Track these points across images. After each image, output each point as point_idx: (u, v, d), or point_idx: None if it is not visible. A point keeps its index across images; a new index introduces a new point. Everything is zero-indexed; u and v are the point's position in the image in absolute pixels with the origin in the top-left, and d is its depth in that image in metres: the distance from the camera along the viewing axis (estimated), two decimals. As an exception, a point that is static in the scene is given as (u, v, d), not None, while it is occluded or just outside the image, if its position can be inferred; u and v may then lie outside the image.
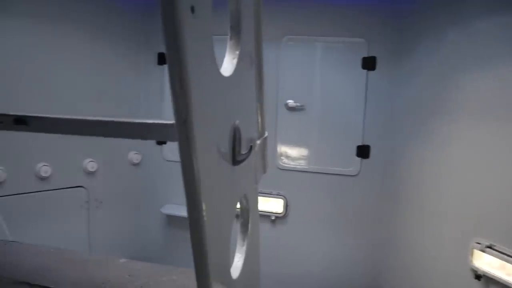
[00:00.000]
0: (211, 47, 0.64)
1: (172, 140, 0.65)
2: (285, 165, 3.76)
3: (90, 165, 3.41)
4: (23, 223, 3.02)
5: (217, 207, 0.77)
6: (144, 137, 0.73)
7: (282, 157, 3.76)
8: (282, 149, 3.76)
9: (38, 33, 3.04)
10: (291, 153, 3.76)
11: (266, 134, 1.17)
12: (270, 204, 3.80)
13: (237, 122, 0.81)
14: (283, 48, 3.66)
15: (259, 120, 1.11)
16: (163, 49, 3.64)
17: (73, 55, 3.27)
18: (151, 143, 3.76)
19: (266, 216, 3.81)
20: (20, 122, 0.78)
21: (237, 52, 0.82)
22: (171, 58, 0.53)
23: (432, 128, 2.93)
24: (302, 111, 3.68)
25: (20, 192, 3.04)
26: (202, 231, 0.67)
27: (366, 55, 3.50)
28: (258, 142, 1.12)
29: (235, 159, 0.82)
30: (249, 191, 1.03)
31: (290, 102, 3.67)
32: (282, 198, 3.78)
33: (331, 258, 3.76)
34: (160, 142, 3.78)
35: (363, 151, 3.60)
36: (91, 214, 3.52)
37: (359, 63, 3.51)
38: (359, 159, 3.61)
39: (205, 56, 0.62)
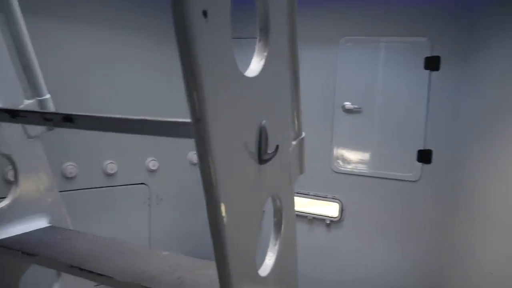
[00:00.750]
0: (229, 49, 0.66)
1: (189, 137, 0.68)
2: (341, 168, 3.69)
3: (152, 164, 3.60)
4: (89, 215, 3.26)
5: (241, 204, 0.80)
6: (167, 135, 0.78)
7: (338, 160, 3.70)
8: (338, 152, 3.69)
9: (104, 40, 3.28)
10: (348, 156, 3.69)
11: (303, 135, 1.17)
12: (325, 208, 3.75)
13: (263, 122, 0.83)
14: (341, 49, 3.60)
15: (295, 121, 1.11)
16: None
17: (137, 59, 3.48)
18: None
19: (320, 219, 3.77)
20: (68, 120, 0.86)
21: (265, 54, 0.84)
22: (183, 60, 0.56)
23: (501, 132, 2.72)
24: (359, 113, 3.59)
25: (89, 187, 3.29)
26: (222, 229, 0.70)
27: (429, 55, 3.33)
28: (294, 143, 1.13)
29: (261, 158, 0.84)
30: (282, 191, 1.04)
31: (347, 104, 3.60)
32: (337, 202, 3.71)
33: (387, 266, 3.63)
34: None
35: (424, 156, 3.43)
36: (152, 210, 3.71)
37: (421, 63, 3.36)
38: (420, 164, 3.44)
39: (221, 58, 0.64)
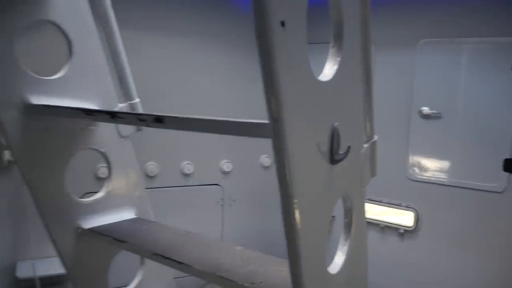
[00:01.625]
0: (304, 55, 0.71)
1: (266, 137, 0.74)
2: (418, 176, 3.54)
3: (226, 166, 3.76)
4: (167, 212, 3.48)
5: (314, 202, 0.84)
6: (245, 134, 0.84)
7: (414, 168, 3.56)
8: (415, 158, 3.55)
9: (183, 48, 3.50)
10: (425, 164, 3.53)
11: (375, 138, 1.18)
12: (399, 217, 3.62)
13: (336, 123, 0.86)
14: (419, 52, 3.47)
15: (367, 124, 1.13)
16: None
17: (213, 66, 3.66)
18: (281, 147, 3.94)
19: (393, 228, 3.65)
20: (158, 121, 0.97)
21: (338, 59, 0.87)
22: (263, 65, 0.62)
23: None
24: (438, 119, 3.43)
25: (167, 186, 3.52)
26: (295, 225, 0.74)
27: (517, 56, 3.10)
28: (366, 145, 1.14)
29: (333, 159, 0.87)
30: (353, 192, 1.06)
31: (425, 109, 3.45)
32: (412, 211, 3.57)
33: (464, 283, 3.40)
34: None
35: (511, 165, 3.18)
36: (224, 210, 3.87)
37: (508, 65, 3.13)
38: (506, 174, 3.20)
39: (296, 63, 0.69)
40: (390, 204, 3.63)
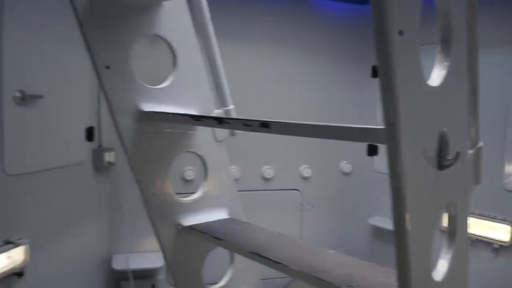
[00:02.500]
0: (418, 62, 0.73)
1: (380, 143, 0.76)
2: (515, 187, 3.27)
3: (306, 171, 3.78)
4: (247, 215, 3.59)
5: (422, 208, 0.84)
6: (356, 140, 0.87)
7: (511, 177, 3.29)
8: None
9: (261, 54, 3.60)
10: (524, 174, 3.26)
11: (481, 144, 1.14)
12: (493, 230, 3.37)
13: (444, 129, 0.86)
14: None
15: (472, 129, 1.09)
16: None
17: (291, 72, 3.72)
18: (362, 154, 3.86)
19: (486, 243, 3.40)
20: (264, 126, 1.03)
21: (446, 64, 0.87)
22: (382, 71, 0.65)
23: None
24: (539, 125, 3.15)
25: (248, 189, 3.63)
26: (406, 228, 0.75)
27: None
28: (471, 152, 1.11)
29: (441, 164, 0.86)
30: (458, 199, 1.04)
31: (524, 115, 3.19)
32: (508, 225, 3.30)
33: None
34: (371, 154, 3.85)
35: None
36: (303, 216, 3.88)
37: None
38: None
39: (411, 69, 0.71)
40: (483, 216, 3.38)
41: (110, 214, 3.34)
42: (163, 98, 1.49)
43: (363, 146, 3.68)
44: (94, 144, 3.13)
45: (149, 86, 1.46)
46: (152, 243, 3.48)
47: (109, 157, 3.14)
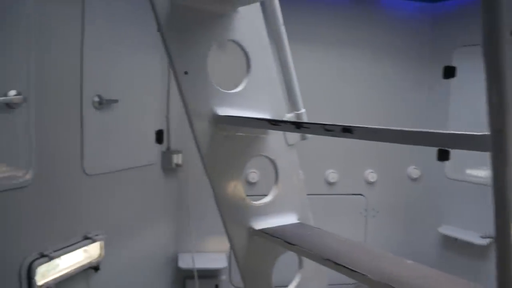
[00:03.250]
0: None
1: (483, 150, 0.71)
2: None
3: (371, 176, 3.67)
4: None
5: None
6: (452, 147, 0.81)
7: None
8: None
9: (326, 56, 3.55)
10: None
11: None
12: None
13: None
14: None
15: None
16: (449, 63, 3.53)
17: (360, 74, 3.63)
18: (432, 159, 3.68)
19: None
20: (347, 131, 1.01)
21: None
22: (490, 74, 0.61)
23: None
24: None
25: (311, 193, 3.58)
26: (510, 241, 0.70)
27: None
28: None
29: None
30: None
31: None
32: None
33: None
34: (442, 159, 3.66)
35: None
36: (368, 221, 3.77)
37: None
38: None
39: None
40: None
41: (177, 214, 3.46)
42: (237, 102, 1.51)
43: (432, 151, 3.50)
44: (163, 147, 3.26)
45: (224, 90, 1.49)
46: (216, 243, 3.56)
47: (177, 159, 3.25)
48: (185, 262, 3.37)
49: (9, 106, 2.03)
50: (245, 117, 1.41)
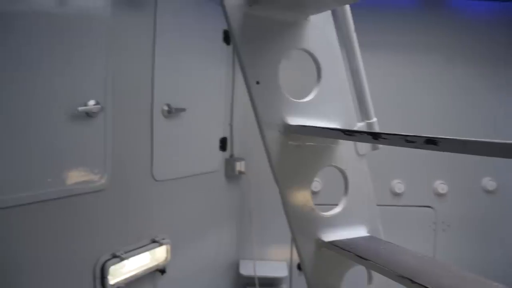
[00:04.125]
0: None
1: None
2: None
3: (441, 187, 3.47)
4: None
5: None
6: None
7: None
8: None
9: (396, 61, 3.41)
10: None
11: None
12: None
13: None
14: None
15: None
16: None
17: (431, 80, 3.45)
18: (509, 169, 3.41)
19: None
20: (431, 143, 0.95)
21: None
22: None
23: None
24: None
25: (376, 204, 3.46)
26: None
27: None
28: None
29: None
30: None
31: None
32: None
33: None
34: (523, 170, 3.38)
35: None
36: (437, 236, 3.56)
37: None
38: None
39: None
40: None
41: (239, 221, 3.49)
42: (307, 112, 1.50)
43: (510, 161, 3.23)
44: (226, 154, 3.31)
45: (294, 100, 1.48)
46: (277, 252, 3.55)
47: (240, 166, 3.29)
48: (246, 269, 3.38)
49: (89, 115, 2.16)
50: (318, 127, 1.39)
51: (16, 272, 1.86)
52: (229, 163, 3.28)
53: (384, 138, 1.08)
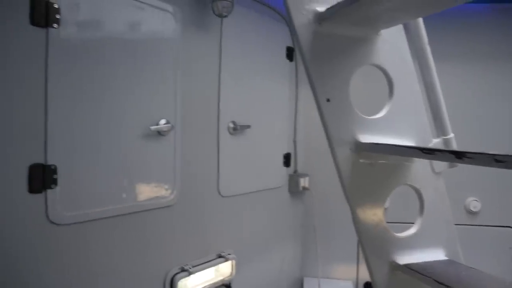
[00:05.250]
0: None
1: None
2: None
3: (523, 206, 3.19)
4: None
5: None
6: None
7: None
8: None
9: (470, 74, 3.22)
10: None
11: None
12: None
13: None
14: None
15: None
16: None
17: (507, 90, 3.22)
18: None
19: None
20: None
21: None
22: None
23: None
24: None
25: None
26: None
27: None
28: None
29: None
30: None
31: None
32: None
33: None
34: None
35: None
36: (518, 258, 3.27)
37: None
38: None
39: None
40: None
41: (303, 237, 3.45)
42: (379, 129, 1.45)
43: None
44: (290, 170, 3.30)
45: (365, 116, 1.44)
46: (343, 270, 3.44)
47: (304, 182, 3.26)
48: (310, 287, 3.31)
49: (160, 133, 2.26)
50: (393, 145, 1.34)
51: (92, 282, 1.97)
52: (293, 178, 3.27)
53: (470, 158, 1.01)
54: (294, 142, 3.29)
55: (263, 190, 3.03)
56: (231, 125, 2.73)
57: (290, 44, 3.18)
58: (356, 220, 1.46)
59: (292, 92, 3.26)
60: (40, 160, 1.81)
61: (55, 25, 1.81)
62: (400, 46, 1.48)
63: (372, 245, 1.49)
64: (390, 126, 1.46)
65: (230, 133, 2.73)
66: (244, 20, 2.77)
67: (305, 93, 3.33)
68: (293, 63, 3.23)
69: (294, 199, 3.35)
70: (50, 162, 1.84)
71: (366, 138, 1.42)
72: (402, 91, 1.47)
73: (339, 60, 1.39)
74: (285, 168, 3.24)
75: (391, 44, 1.46)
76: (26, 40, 1.75)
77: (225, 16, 2.39)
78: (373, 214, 1.47)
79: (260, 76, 2.94)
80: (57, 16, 1.82)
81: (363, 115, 1.44)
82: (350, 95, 1.41)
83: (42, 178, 1.82)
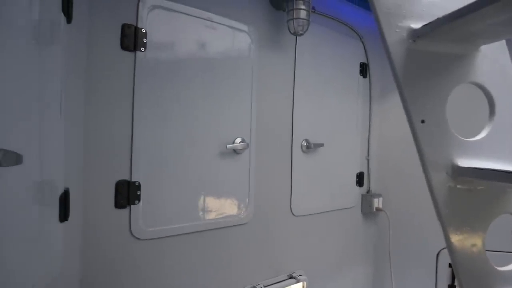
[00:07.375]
0: None
1: None
2: None
3: None
4: None
5: None
6: None
7: None
8: None
9: None
10: None
11: None
12: None
13: None
14: None
15: None
16: None
17: None
18: None
19: None
20: None
21: None
22: None
23: None
24: None
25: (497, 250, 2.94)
26: None
27: None
28: None
29: None
30: None
31: None
32: None
33: None
34: None
35: None
36: None
37: None
38: None
39: None
40: None
41: (376, 261, 3.29)
42: (479, 152, 1.33)
43: None
44: (363, 190, 3.18)
45: (463, 138, 1.33)
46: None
47: (377, 203, 3.12)
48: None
49: (236, 152, 2.28)
50: (500, 171, 1.22)
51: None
52: (366, 199, 3.14)
53: None
54: (367, 160, 3.18)
55: (336, 210, 2.94)
56: (304, 143, 2.69)
57: (364, 60, 3.10)
58: (451, 250, 1.35)
59: (366, 109, 3.16)
60: (125, 176, 1.89)
61: (142, 49, 1.90)
62: (502, 62, 1.36)
63: (469, 278, 1.36)
64: (491, 148, 1.34)
65: (303, 151, 2.69)
66: (318, 37, 2.75)
67: (379, 110, 3.22)
68: (366, 79, 3.14)
69: (366, 220, 3.22)
70: (134, 178, 1.91)
71: (464, 162, 1.31)
72: (504, 111, 1.35)
73: (435, 78, 1.30)
74: (358, 187, 3.13)
75: (492, 60, 1.35)
76: (116, 64, 1.85)
77: (301, 35, 2.38)
78: (471, 245, 1.35)
79: (333, 93, 2.89)
80: (144, 40, 1.91)
81: (461, 137, 1.33)
82: (447, 116, 1.31)
83: (127, 194, 1.89)
